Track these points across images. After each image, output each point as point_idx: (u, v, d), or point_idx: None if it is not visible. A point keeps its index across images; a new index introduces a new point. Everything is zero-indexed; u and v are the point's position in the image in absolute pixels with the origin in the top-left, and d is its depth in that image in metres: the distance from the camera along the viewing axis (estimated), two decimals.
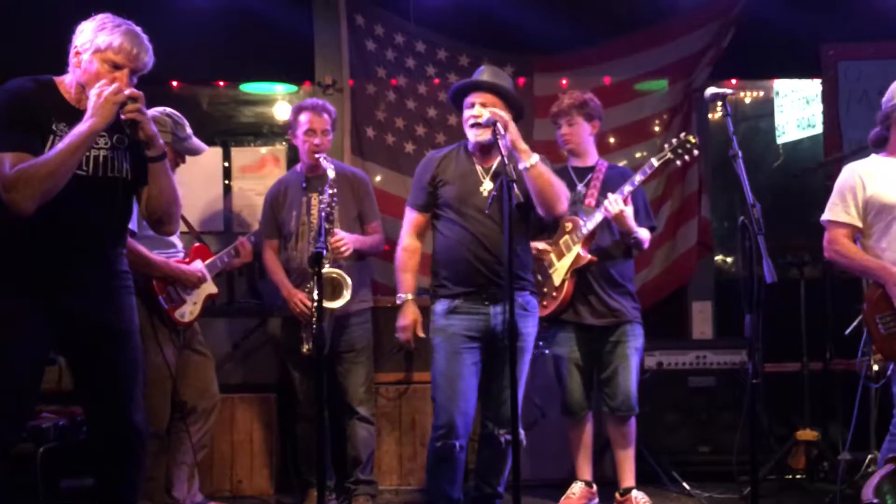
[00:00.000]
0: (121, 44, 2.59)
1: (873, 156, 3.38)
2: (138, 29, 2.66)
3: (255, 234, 4.07)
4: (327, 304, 3.53)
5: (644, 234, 3.71)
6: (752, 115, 5.94)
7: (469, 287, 3.34)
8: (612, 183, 3.76)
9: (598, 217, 3.65)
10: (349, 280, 3.68)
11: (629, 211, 3.61)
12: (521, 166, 3.21)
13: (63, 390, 3.48)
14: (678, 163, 3.67)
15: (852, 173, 3.32)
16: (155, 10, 4.33)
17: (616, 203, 3.55)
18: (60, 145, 2.51)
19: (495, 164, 3.39)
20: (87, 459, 2.95)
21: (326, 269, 3.46)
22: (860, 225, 3.28)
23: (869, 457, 3.94)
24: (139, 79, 2.70)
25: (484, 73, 3.43)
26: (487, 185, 3.37)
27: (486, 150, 3.40)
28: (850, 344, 3.50)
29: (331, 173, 3.60)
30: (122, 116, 2.56)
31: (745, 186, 2.85)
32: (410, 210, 3.52)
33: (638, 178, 3.63)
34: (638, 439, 3.86)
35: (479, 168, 3.42)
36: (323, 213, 3.50)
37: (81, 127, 2.51)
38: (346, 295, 3.67)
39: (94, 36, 2.60)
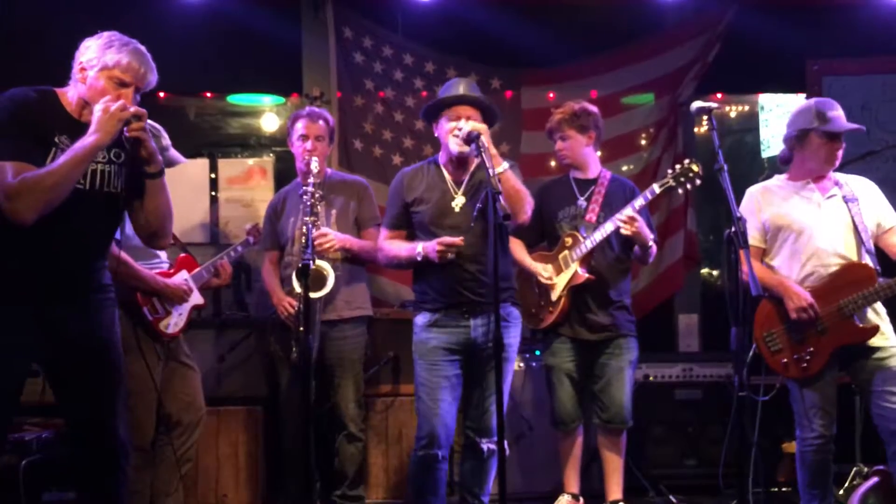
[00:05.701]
0: (129, 62, 2.62)
1: (776, 177, 3.53)
2: (143, 48, 2.69)
3: (242, 246, 4.05)
4: (310, 295, 3.51)
5: (653, 246, 3.72)
6: (738, 129, 5.98)
7: (449, 301, 3.35)
8: (613, 199, 3.76)
9: (598, 236, 3.65)
10: (331, 270, 3.65)
11: (641, 223, 3.60)
12: (490, 172, 3.20)
13: (46, 402, 3.43)
14: (679, 190, 3.63)
15: (751, 198, 3.51)
16: (142, 21, 4.32)
17: (633, 220, 3.52)
18: (64, 157, 2.52)
19: (468, 177, 3.40)
20: (70, 472, 2.92)
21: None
22: (763, 246, 3.45)
23: (854, 469, 3.96)
24: None
25: (460, 86, 3.43)
26: (459, 200, 3.38)
27: (460, 163, 3.41)
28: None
29: (314, 167, 3.62)
30: (127, 133, 2.58)
31: (730, 200, 2.87)
32: (385, 229, 3.53)
33: (639, 202, 3.60)
34: (625, 452, 3.85)
35: (450, 183, 3.42)
36: (307, 208, 3.50)
37: (86, 141, 2.52)
38: (329, 285, 3.64)
39: (101, 53, 2.62)
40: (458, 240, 3.25)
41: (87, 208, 2.63)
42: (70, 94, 2.68)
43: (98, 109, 2.55)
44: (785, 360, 3.30)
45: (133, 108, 2.58)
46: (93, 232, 2.71)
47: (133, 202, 2.74)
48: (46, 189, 2.47)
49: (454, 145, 3.32)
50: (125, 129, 2.57)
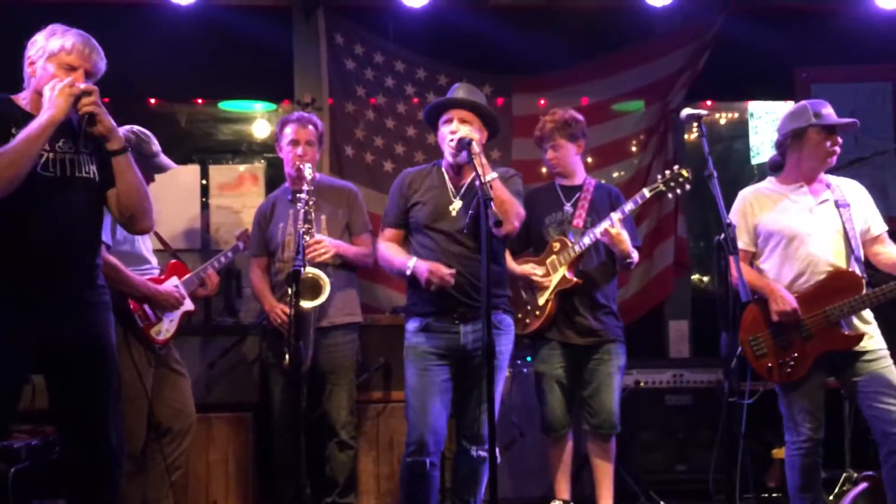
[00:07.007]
0: (73, 44, 2.67)
1: (768, 180, 3.55)
2: (87, 34, 2.72)
3: (232, 251, 4.05)
4: (305, 304, 3.52)
5: (635, 254, 3.74)
6: (728, 136, 6.02)
7: (440, 306, 3.35)
8: (599, 204, 3.78)
9: (586, 241, 3.67)
10: (327, 279, 3.65)
11: (625, 234, 3.63)
12: (480, 179, 3.21)
13: (35, 410, 3.42)
14: (669, 195, 3.68)
15: (743, 200, 3.52)
16: (134, 28, 4.33)
17: (615, 229, 3.56)
18: (19, 136, 2.55)
19: (467, 182, 3.41)
20: (60, 480, 2.90)
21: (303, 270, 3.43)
22: (753, 250, 3.47)
23: (844, 475, 3.97)
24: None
25: (459, 91, 3.44)
26: (457, 204, 3.38)
27: (460, 168, 3.42)
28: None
29: (308, 173, 3.63)
30: (79, 111, 2.60)
31: (720, 206, 2.89)
32: (385, 228, 3.53)
33: (629, 206, 3.64)
34: (615, 458, 3.86)
35: (450, 187, 3.43)
36: (301, 215, 3.49)
37: (39, 118, 2.57)
38: (325, 294, 3.64)
39: (45, 42, 2.68)
40: (449, 272, 3.25)
41: (65, 196, 2.65)
42: (23, 95, 2.73)
43: (47, 89, 2.59)
44: (770, 364, 3.32)
45: (83, 85, 2.61)
46: (75, 220, 2.69)
47: (108, 191, 2.76)
48: (4, 167, 2.50)
49: (448, 154, 3.35)
50: (77, 107, 2.59)
